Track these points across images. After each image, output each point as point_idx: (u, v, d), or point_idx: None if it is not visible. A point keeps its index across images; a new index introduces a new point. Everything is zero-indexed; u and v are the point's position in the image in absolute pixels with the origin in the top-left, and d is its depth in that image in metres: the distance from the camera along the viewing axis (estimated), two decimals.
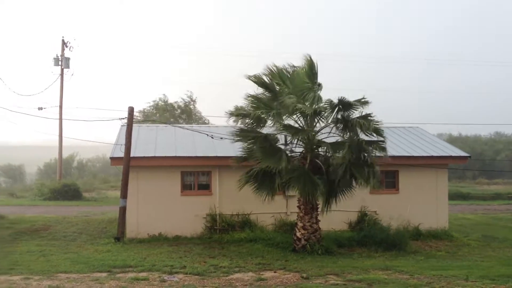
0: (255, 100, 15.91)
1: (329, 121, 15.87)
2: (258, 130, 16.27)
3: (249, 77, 16.04)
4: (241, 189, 16.01)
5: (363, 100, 15.42)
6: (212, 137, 19.05)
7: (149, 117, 39.03)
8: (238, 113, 16.06)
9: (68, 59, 38.30)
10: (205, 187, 19.05)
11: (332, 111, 15.45)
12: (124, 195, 17.79)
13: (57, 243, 16.78)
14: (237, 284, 11.27)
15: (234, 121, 16.45)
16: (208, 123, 40.31)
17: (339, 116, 15.55)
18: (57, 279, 11.44)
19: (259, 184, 15.61)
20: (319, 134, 16.15)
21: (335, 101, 15.19)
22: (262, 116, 15.58)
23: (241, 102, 16.12)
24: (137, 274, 11.95)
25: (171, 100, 42.96)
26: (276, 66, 16.04)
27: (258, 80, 15.99)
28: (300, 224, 15.75)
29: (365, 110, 15.39)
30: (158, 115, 40.11)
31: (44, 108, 35.87)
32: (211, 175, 18.89)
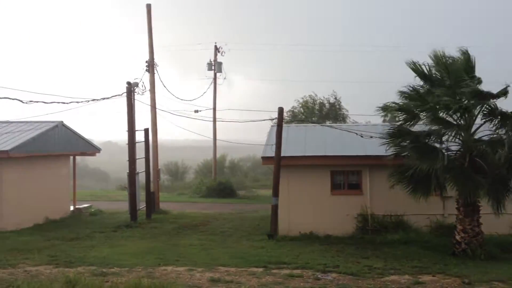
0: (408, 94, 15.31)
1: (484, 117, 14.86)
2: (410, 127, 15.71)
3: (409, 65, 15.29)
4: (393, 190, 15.57)
5: None
6: (362, 136, 18.77)
7: (297, 116, 39.60)
8: (388, 110, 15.63)
9: (220, 63, 40.34)
10: (356, 187, 18.85)
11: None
12: (276, 194, 18.30)
13: (215, 238, 17.80)
14: (393, 286, 10.99)
15: (383, 119, 16.04)
16: (354, 122, 39.79)
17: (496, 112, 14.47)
18: (217, 271, 12.12)
19: (413, 185, 15.04)
20: (477, 131, 15.15)
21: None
22: (416, 111, 14.99)
23: (387, 100, 15.65)
24: (291, 271, 12.20)
25: (318, 96, 43.07)
26: (437, 55, 15.10)
27: (416, 69, 15.28)
28: (459, 227, 14.86)
29: None
30: (306, 114, 40.52)
31: (200, 110, 38.16)
32: (361, 174, 18.64)
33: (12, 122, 22.99)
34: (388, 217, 17.99)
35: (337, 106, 43.28)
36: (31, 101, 16.77)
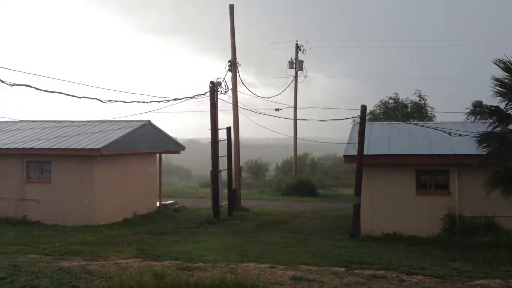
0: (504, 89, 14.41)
1: None
2: (503, 126, 14.85)
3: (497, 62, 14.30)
4: (484, 190, 14.80)
5: None
6: (450, 134, 18.04)
7: (377, 119, 38.61)
8: (478, 113, 14.84)
9: (301, 61, 40.27)
10: (442, 187, 18.16)
11: None
12: (358, 193, 18.01)
13: (296, 236, 17.80)
14: None
15: (474, 117, 15.22)
16: (441, 120, 38.15)
17: None
18: (299, 270, 12.08)
19: (506, 186, 14.22)
20: None
21: None
22: (509, 112, 14.14)
23: (477, 97, 14.86)
24: (374, 272, 11.93)
25: (402, 97, 41.76)
26: None
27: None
28: None
29: None
30: (387, 115, 39.40)
31: (280, 109, 38.26)
32: (449, 174, 17.92)
33: (102, 122, 24.23)
34: (477, 218, 17.18)
35: (423, 105, 41.69)
36: (110, 101, 16.71)
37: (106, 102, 16.13)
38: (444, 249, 15.33)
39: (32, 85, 12.65)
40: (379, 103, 41.21)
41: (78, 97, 14.68)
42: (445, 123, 23.91)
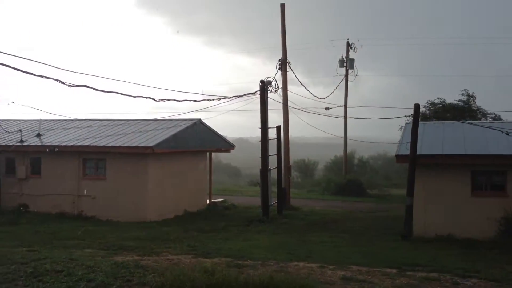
0: None
1: None
2: None
3: None
4: None
5: None
6: (508, 134, 17.41)
7: (427, 119, 37.57)
8: None
9: (352, 60, 39.79)
10: (499, 188, 17.55)
11: None
12: (410, 193, 17.66)
13: (346, 236, 17.63)
14: None
15: None
16: (498, 119, 36.76)
17: None
18: (349, 270, 11.95)
19: None
20: None
21: None
22: None
23: None
24: (427, 274, 11.66)
25: (448, 100, 40.45)
26: None
27: None
28: None
29: None
30: (436, 116, 38.25)
31: (331, 108, 37.94)
32: (506, 175, 17.31)
33: (155, 120, 24.76)
34: None
35: (472, 103, 40.23)
36: (163, 99, 16.87)
37: (159, 100, 16.39)
38: (500, 252, 14.83)
39: (90, 86, 13.02)
40: (427, 104, 40.04)
41: (133, 96, 14.99)
42: (502, 122, 23.14)
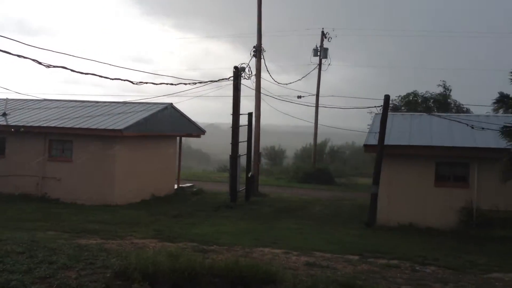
0: None
1: None
2: None
3: None
4: (505, 184, 14.64)
5: None
6: (472, 127, 17.81)
7: (398, 110, 38.00)
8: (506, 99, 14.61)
9: (326, 49, 39.84)
10: (461, 179, 18.00)
11: None
12: (376, 182, 17.96)
13: (312, 223, 17.86)
14: (496, 283, 10.41)
15: (498, 106, 14.95)
16: (466, 112, 37.41)
17: None
18: (313, 256, 12.15)
19: None
20: None
21: None
22: None
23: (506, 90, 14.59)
24: (388, 261, 11.94)
25: (421, 91, 40.88)
26: None
27: None
28: None
29: None
30: (409, 108, 38.74)
31: (303, 96, 38.00)
32: (469, 167, 17.76)
33: (125, 103, 24.45)
34: (495, 212, 17.04)
35: (447, 95, 40.86)
36: (140, 82, 16.94)
37: (137, 83, 16.48)
38: (459, 242, 15.28)
39: (68, 67, 12.87)
40: (399, 97, 40.45)
41: (111, 79, 14.95)
42: (469, 115, 23.65)
